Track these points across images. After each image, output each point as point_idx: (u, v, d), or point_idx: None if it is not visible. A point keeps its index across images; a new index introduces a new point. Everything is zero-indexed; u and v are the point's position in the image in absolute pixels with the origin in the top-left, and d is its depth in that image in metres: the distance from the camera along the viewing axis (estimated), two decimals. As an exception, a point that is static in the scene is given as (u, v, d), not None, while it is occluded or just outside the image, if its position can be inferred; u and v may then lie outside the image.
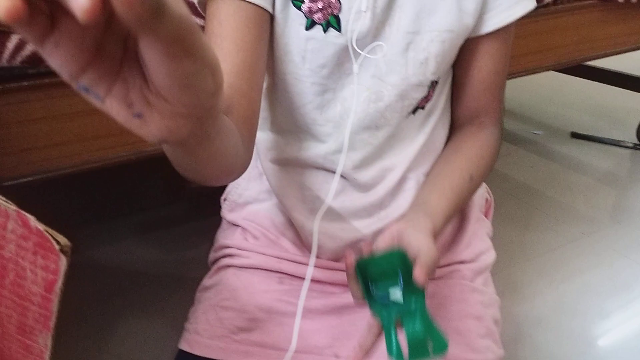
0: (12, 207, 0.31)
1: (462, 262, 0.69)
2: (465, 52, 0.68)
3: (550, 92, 2.12)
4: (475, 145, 0.69)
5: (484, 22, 0.65)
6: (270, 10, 0.59)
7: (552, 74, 1.93)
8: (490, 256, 0.72)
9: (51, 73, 0.64)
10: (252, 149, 0.56)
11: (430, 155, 0.71)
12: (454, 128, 0.73)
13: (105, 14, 0.22)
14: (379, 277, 0.53)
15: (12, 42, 0.58)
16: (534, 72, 1.06)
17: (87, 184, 1.33)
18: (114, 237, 1.16)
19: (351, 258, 0.54)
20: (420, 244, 0.53)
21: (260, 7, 0.57)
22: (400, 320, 0.51)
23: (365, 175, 0.66)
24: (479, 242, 0.72)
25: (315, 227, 0.62)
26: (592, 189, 1.45)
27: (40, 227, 0.28)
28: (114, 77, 0.26)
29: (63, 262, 0.28)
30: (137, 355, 0.86)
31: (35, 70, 0.63)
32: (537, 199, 1.39)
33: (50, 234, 0.28)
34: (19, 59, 0.59)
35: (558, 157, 1.62)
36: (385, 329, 0.52)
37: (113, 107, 0.27)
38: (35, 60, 0.61)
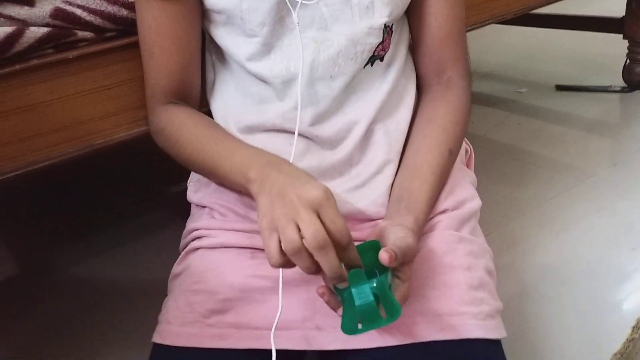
0: None
1: (444, 212, 0.64)
2: (417, 1, 0.67)
3: (531, 49, 2.08)
4: (449, 112, 0.67)
5: None
6: None
7: (531, 30, 1.90)
8: (475, 203, 0.68)
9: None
10: None
11: (397, 108, 0.68)
12: (422, 89, 0.71)
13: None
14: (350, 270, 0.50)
15: None
16: (501, 19, 1.02)
17: (62, 199, 1.30)
18: (94, 251, 1.12)
19: None
20: (395, 236, 0.52)
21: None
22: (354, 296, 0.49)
23: (327, 131, 0.63)
24: (461, 191, 0.68)
25: None
26: (584, 138, 1.41)
27: None
28: None
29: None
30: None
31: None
32: (528, 155, 1.34)
33: None
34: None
35: (545, 112, 1.57)
36: (344, 307, 0.50)
37: None
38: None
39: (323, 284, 0.52)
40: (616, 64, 1.63)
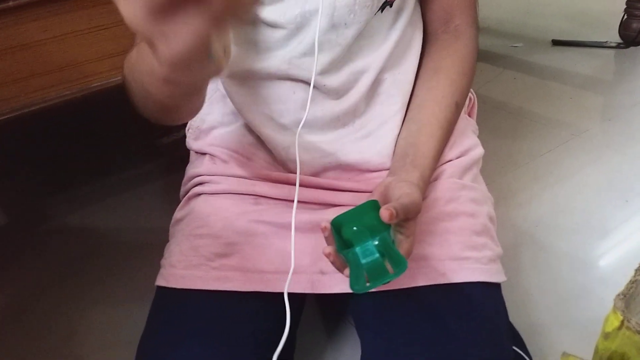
0: None
1: (448, 162, 0.64)
2: None
3: (527, 4, 2.05)
4: (456, 62, 0.65)
5: None
6: None
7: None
8: (477, 152, 0.68)
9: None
10: None
11: (405, 56, 0.66)
12: (428, 38, 0.69)
13: None
14: (353, 229, 0.50)
15: None
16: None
17: (54, 151, 1.27)
18: (85, 202, 1.11)
19: (326, 222, 0.50)
20: (401, 192, 0.50)
21: None
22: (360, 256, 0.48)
23: (335, 81, 0.62)
24: (464, 140, 0.67)
25: (297, 139, 0.57)
26: (579, 93, 1.40)
27: None
28: None
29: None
30: (112, 318, 0.82)
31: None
32: (523, 110, 1.34)
33: None
34: None
35: (541, 67, 1.56)
36: (350, 267, 0.48)
37: None
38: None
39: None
40: (613, 19, 1.61)
